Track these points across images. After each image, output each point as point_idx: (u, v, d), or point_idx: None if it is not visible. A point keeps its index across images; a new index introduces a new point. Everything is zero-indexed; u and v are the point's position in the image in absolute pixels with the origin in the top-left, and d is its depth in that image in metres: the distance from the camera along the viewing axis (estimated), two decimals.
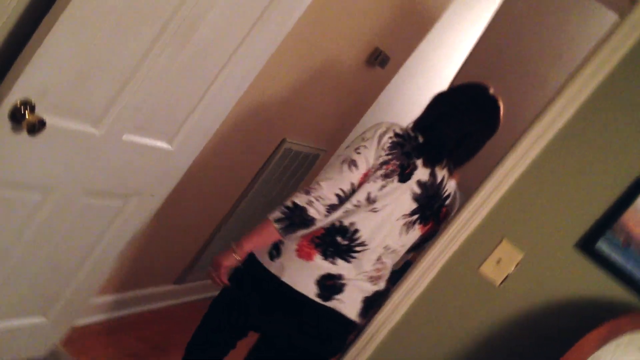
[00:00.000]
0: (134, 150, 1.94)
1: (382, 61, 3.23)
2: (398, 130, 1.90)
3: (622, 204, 1.71)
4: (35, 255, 1.92)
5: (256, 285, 1.93)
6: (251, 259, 1.92)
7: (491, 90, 1.96)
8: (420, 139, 1.92)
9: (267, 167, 3.09)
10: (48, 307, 2.18)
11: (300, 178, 3.50)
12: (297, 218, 1.84)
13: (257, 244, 1.90)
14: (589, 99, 1.74)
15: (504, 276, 1.79)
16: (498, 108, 1.95)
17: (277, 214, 1.85)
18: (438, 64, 4.33)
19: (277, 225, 1.84)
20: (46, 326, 2.22)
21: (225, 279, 1.93)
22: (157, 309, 3.11)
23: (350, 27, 2.85)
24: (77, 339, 2.53)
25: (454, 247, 1.86)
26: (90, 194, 1.94)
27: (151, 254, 2.80)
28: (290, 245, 1.88)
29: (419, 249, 2.05)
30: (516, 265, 1.79)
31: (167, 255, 2.98)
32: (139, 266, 2.77)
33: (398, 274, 2.02)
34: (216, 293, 2.11)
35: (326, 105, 3.19)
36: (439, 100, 1.99)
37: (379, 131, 1.90)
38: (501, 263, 1.80)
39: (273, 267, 1.88)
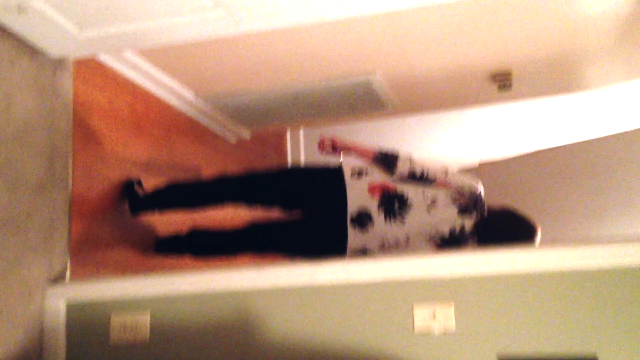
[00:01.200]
0: None
1: (503, 86, 3.08)
2: (481, 194, 2.39)
3: None
4: None
5: (322, 180, 2.43)
6: (337, 169, 2.41)
7: (536, 236, 2.30)
8: (485, 214, 2.36)
9: (341, 79, 3.01)
10: (90, 24, 2.12)
11: (355, 112, 3.43)
12: (389, 159, 2.38)
13: (356, 151, 2.47)
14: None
15: (425, 330, 1.75)
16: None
17: (383, 148, 2.41)
18: (538, 126, 4.18)
19: (375, 153, 2.40)
20: (75, 38, 2.16)
21: (326, 144, 2.51)
22: (165, 101, 3.10)
23: (498, 37, 2.69)
24: (89, 68, 2.54)
25: (416, 272, 1.81)
26: None
27: (203, 57, 2.77)
28: (372, 179, 2.36)
29: None
30: (442, 333, 1.74)
31: (212, 72, 2.96)
32: (185, 56, 2.76)
33: None
34: None
35: (431, 76, 3.06)
36: (506, 215, 2.38)
37: (472, 182, 2.40)
38: (435, 319, 1.76)
39: (347, 180, 2.36)
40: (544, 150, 3.58)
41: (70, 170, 2.25)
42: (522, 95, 3.31)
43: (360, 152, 2.46)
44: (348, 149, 2.49)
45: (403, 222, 2.31)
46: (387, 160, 2.39)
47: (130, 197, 2.63)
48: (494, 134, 4.33)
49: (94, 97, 2.54)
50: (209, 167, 3.43)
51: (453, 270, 1.79)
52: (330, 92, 3.13)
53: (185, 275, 1.99)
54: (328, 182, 2.40)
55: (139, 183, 2.70)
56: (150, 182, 2.75)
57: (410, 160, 2.39)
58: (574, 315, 1.68)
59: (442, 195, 2.35)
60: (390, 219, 2.31)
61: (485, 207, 2.39)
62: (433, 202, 2.33)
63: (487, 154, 4.19)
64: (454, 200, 2.35)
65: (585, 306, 1.68)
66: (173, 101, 3.13)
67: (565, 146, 3.47)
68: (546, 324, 1.70)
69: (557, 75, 3.11)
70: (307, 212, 2.46)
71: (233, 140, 3.79)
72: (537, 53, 2.83)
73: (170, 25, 2.09)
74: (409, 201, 2.33)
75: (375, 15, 2.10)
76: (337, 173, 2.39)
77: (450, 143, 4.45)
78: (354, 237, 2.31)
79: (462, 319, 1.75)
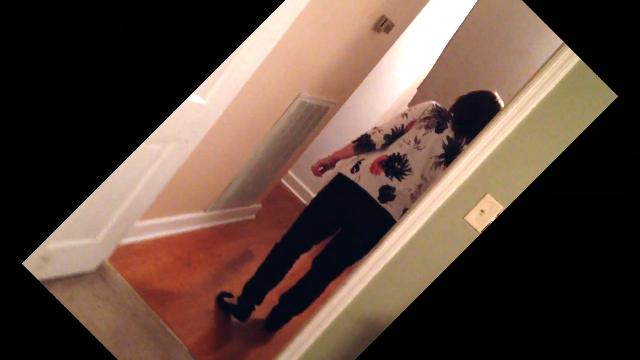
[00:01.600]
0: None
1: (387, 27, 3.16)
2: (439, 105, 2.56)
3: None
4: None
5: (338, 191, 2.51)
6: (339, 176, 2.53)
7: (497, 98, 2.49)
8: (452, 115, 2.52)
9: (283, 118, 3.07)
10: (97, 230, 2.23)
11: (312, 127, 3.48)
12: (365, 140, 2.54)
13: (339, 155, 2.64)
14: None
15: (486, 225, 1.81)
16: (498, 109, 2.42)
17: (354, 139, 2.58)
18: (435, 31, 4.23)
19: (352, 144, 2.57)
20: (96, 246, 2.27)
21: (317, 169, 2.69)
22: (189, 232, 3.16)
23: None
24: (121, 256, 2.60)
25: (446, 196, 1.88)
26: None
27: (185, 186, 2.82)
28: (366, 163, 2.49)
29: None
30: (497, 216, 1.80)
31: (199, 188, 3.00)
32: (174, 195, 2.80)
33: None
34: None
35: (337, 65, 3.16)
36: (464, 100, 2.54)
37: (426, 103, 2.57)
38: (484, 214, 1.81)
39: (353, 177, 2.50)
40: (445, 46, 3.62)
41: (170, 332, 2.32)
42: (406, 23, 3.36)
43: (343, 153, 2.66)
44: (333, 159, 2.69)
45: (411, 172, 2.47)
46: (363, 142, 2.56)
47: (231, 311, 2.71)
48: (412, 61, 4.39)
49: (143, 272, 2.63)
50: (253, 246, 3.48)
51: (468, 170, 1.86)
52: (285, 131, 3.19)
53: (307, 327, 2.01)
54: (341, 190, 2.55)
55: (226, 294, 2.77)
56: (227, 288, 2.79)
57: (377, 129, 2.57)
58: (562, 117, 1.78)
59: (417, 131, 2.50)
60: (401, 177, 2.47)
61: (448, 110, 2.56)
62: (416, 140, 2.48)
63: (418, 78, 4.23)
64: (427, 127, 2.49)
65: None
66: (195, 226, 3.18)
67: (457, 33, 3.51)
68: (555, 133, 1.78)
69: None
70: (347, 222, 2.59)
71: (253, 216, 3.84)
72: None
73: (150, 179, 2.17)
74: (401, 155, 2.48)
75: (273, 55, 2.15)
76: (341, 178, 2.54)
77: (389, 93, 4.50)
78: (391, 209, 2.48)
79: (502, 198, 1.80)
